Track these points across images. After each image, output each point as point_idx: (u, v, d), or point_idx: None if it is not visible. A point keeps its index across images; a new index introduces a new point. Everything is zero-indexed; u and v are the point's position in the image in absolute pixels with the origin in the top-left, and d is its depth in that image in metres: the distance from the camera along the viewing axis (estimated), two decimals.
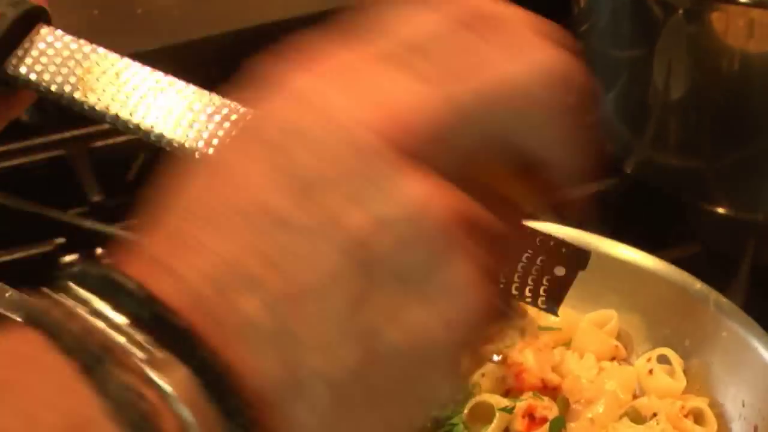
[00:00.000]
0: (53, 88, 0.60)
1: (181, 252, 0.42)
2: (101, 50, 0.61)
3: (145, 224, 0.43)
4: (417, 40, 0.45)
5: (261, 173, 0.42)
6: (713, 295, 0.81)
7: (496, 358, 0.79)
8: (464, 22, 0.45)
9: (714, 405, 0.78)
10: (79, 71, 0.60)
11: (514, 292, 0.53)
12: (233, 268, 0.41)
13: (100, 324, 0.40)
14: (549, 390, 0.78)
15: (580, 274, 0.88)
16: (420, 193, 0.42)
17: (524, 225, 0.50)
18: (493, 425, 0.76)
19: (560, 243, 0.54)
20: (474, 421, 0.76)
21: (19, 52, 0.61)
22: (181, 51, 1.10)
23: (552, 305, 0.53)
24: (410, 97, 0.43)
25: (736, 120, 0.94)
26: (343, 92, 0.43)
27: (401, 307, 0.41)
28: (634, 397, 0.80)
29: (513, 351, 0.80)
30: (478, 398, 0.77)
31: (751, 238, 0.96)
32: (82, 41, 0.61)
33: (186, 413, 0.40)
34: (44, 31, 0.62)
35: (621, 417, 0.77)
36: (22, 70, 0.61)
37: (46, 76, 0.61)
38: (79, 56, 0.60)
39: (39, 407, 0.39)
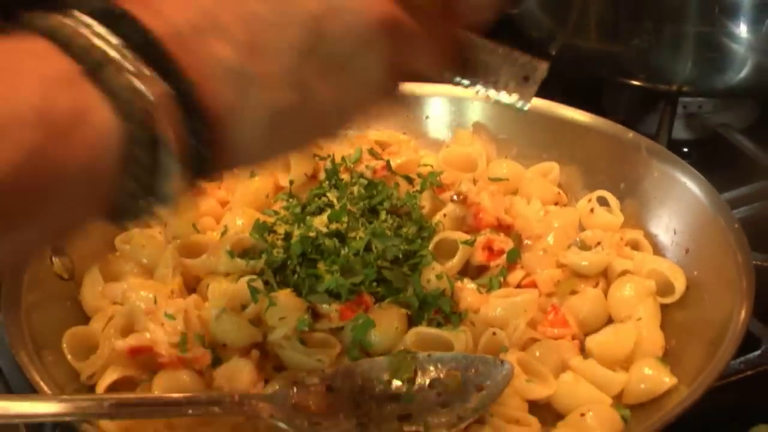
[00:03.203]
0: None
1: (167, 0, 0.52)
2: None
3: None
4: None
5: None
6: (644, 141, 0.90)
7: (455, 198, 0.86)
8: None
9: (648, 236, 0.87)
10: None
11: (486, 93, 0.64)
12: (211, 19, 0.52)
13: (100, 42, 0.50)
14: (503, 228, 0.86)
15: (523, 133, 0.96)
16: None
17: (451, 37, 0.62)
18: (456, 257, 0.82)
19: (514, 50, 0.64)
20: (439, 257, 0.82)
21: None
22: None
23: (522, 100, 0.64)
24: None
25: (648, 2, 1.01)
26: None
27: (330, 72, 0.56)
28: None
29: (471, 193, 0.86)
30: (441, 235, 0.84)
31: (666, 108, 1.04)
32: None
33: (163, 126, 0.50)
34: None
35: (569, 247, 0.85)
36: None
37: None
38: None
39: (50, 91, 0.48)
